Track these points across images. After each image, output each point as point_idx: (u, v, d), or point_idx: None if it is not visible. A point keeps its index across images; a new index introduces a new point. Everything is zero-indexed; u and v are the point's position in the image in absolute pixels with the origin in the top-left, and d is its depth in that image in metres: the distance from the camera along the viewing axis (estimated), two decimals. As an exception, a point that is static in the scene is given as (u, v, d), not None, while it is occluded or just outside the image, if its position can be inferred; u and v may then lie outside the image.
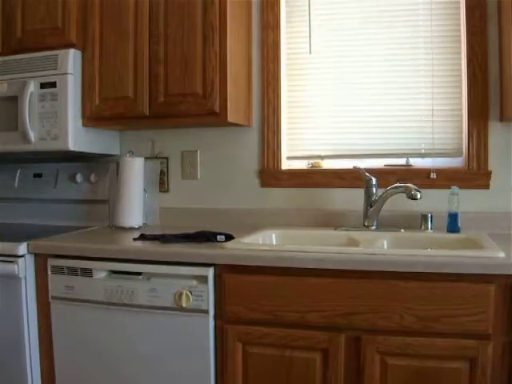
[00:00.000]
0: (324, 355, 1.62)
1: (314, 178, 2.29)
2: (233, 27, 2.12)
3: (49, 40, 2.21)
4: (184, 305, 1.71)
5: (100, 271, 1.84)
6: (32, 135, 2.18)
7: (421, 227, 2.08)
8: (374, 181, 2.10)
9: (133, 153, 2.41)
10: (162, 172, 2.51)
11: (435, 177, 2.13)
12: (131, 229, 2.29)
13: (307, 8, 2.29)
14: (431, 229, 2.06)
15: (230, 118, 2.10)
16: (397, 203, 2.12)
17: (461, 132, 2.15)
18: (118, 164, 2.41)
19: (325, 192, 2.28)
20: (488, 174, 2.09)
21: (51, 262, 1.90)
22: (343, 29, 2.27)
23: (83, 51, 2.22)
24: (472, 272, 1.50)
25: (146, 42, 2.14)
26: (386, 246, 1.95)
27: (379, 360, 1.57)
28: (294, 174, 2.33)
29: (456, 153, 2.16)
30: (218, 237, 1.89)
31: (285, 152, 2.36)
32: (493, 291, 1.49)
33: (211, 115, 2.08)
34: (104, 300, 1.82)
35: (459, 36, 2.13)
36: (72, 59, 2.17)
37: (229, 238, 1.90)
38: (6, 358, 1.92)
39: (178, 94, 2.09)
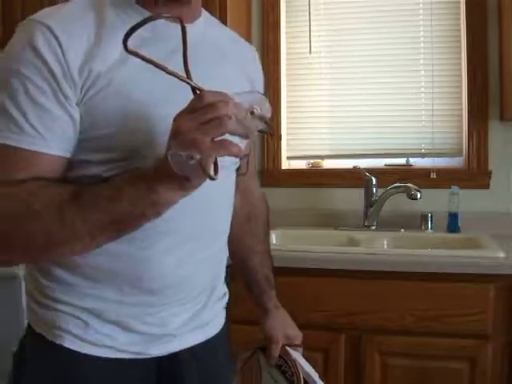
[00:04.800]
0: (324, 355, 1.62)
1: (313, 178, 2.29)
2: (233, 27, 2.11)
3: (49, 40, 2.21)
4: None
5: (100, 271, 1.83)
6: (32, 135, 2.18)
7: (421, 227, 2.08)
8: (374, 181, 2.10)
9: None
10: (162, 172, 2.50)
11: (435, 177, 2.13)
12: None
13: (307, 8, 2.28)
14: (431, 229, 2.06)
15: (230, 118, 2.09)
16: (397, 203, 2.12)
17: (461, 132, 2.15)
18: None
19: (325, 192, 2.28)
20: (488, 174, 2.09)
21: (51, 262, 1.89)
22: (343, 29, 2.27)
23: (83, 51, 2.22)
24: (472, 272, 1.50)
25: (146, 42, 2.14)
26: (385, 246, 1.95)
27: (379, 360, 1.57)
28: (294, 173, 2.33)
29: (456, 153, 2.16)
30: (218, 237, 1.89)
31: (285, 152, 2.36)
32: (493, 291, 1.50)
33: (211, 115, 2.07)
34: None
35: (459, 36, 2.13)
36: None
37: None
38: (6, 359, 1.91)
39: (178, 94, 2.09)
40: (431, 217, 2.06)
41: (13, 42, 0.78)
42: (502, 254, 1.55)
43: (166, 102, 0.78)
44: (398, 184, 2.04)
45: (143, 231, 0.76)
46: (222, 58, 0.90)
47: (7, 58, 0.77)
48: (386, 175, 2.17)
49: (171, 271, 0.84)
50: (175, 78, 0.70)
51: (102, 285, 0.82)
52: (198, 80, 0.78)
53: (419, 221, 2.09)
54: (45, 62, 0.73)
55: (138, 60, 0.73)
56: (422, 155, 2.19)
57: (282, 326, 1.15)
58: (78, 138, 0.77)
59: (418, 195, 1.95)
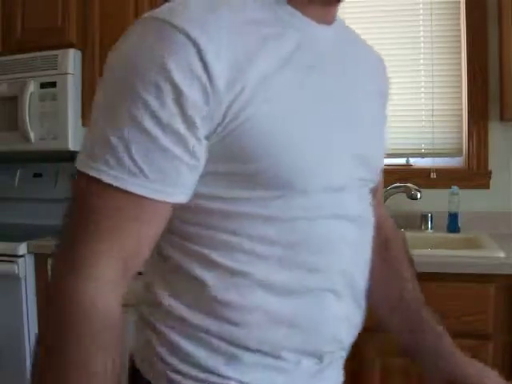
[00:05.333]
0: (324, 355, 1.62)
1: (314, 177, 2.29)
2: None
3: (49, 40, 2.21)
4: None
5: (100, 271, 1.83)
6: (32, 135, 2.18)
7: (421, 227, 2.08)
8: (374, 181, 2.09)
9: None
10: (162, 172, 2.50)
11: (435, 177, 2.13)
12: (131, 229, 2.28)
13: (307, 8, 2.28)
14: (431, 229, 2.06)
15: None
16: (397, 203, 2.11)
17: (461, 132, 2.15)
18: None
19: (325, 192, 2.27)
20: (488, 174, 2.09)
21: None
22: (343, 29, 2.27)
23: (83, 51, 2.22)
24: (472, 272, 1.50)
25: (146, 42, 2.14)
26: (386, 246, 1.95)
27: (379, 360, 1.57)
28: (294, 173, 2.32)
29: (456, 153, 2.16)
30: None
31: (285, 152, 2.36)
32: (493, 291, 1.49)
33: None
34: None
35: (459, 36, 2.13)
36: (72, 59, 2.16)
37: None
38: (6, 359, 1.92)
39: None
40: (431, 217, 2.06)
41: (133, 46, 0.59)
42: (502, 254, 1.54)
43: (324, 123, 0.67)
44: (397, 184, 2.04)
45: (308, 288, 0.69)
46: (358, 63, 0.83)
47: (127, 71, 0.58)
48: (386, 175, 2.14)
49: (334, 331, 0.75)
50: (327, 91, 0.68)
51: (263, 354, 0.69)
52: (341, 80, 0.73)
53: (419, 221, 2.09)
54: (178, 89, 0.56)
55: (293, 69, 0.62)
56: (422, 155, 2.19)
57: (485, 372, 0.93)
58: (211, 173, 0.63)
59: (418, 195, 1.95)
